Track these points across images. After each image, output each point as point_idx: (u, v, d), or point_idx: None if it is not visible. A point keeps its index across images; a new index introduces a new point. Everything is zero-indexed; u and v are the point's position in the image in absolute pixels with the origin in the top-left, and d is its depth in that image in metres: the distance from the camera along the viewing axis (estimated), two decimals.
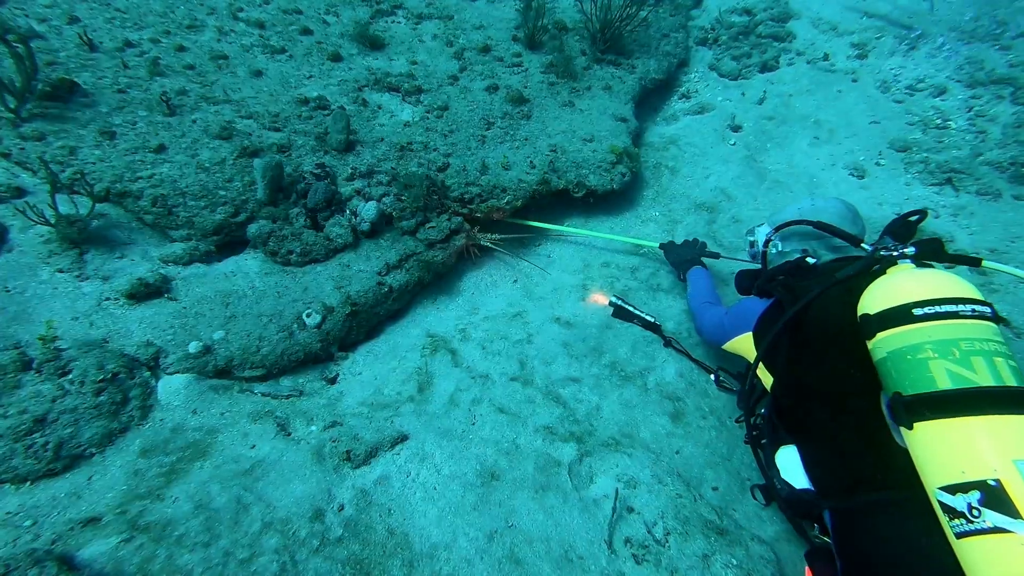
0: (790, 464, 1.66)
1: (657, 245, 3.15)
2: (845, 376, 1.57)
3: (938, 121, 3.93)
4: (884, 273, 1.55)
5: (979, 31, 4.62)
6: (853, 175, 3.75)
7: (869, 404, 1.49)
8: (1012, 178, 3.50)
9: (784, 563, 1.79)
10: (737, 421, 2.29)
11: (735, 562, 1.73)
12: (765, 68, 4.76)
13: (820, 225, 1.95)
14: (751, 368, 1.83)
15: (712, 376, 2.45)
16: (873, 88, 4.29)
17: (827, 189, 3.62)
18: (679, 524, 1.84)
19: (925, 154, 3.73)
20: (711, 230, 3.40)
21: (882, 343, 1.40)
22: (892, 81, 4.27)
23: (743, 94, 4.49)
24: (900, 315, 1.38)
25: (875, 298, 1.47)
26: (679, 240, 3.15)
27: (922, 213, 1.85)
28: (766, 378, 1.87)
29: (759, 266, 2.30)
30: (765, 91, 4.41)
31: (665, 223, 3.50)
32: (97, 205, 2.62)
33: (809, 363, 1.68)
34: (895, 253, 1.61)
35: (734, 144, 4.08)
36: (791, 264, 1.95)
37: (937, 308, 1.35)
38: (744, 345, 2.07)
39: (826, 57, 4.63)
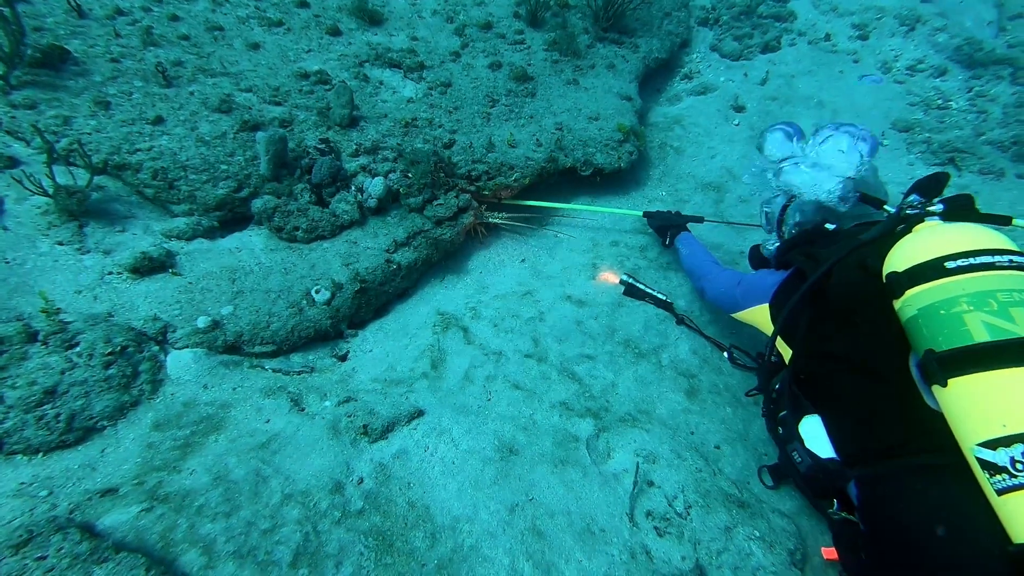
0: (814, 433, 1.60)
1: (640, 213, 3.17)
2: (871, 340, 1.53)
3: (939, 101, 3.97)
4: (911, 232, 1.51)
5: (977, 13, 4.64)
6: None
7: (896, 368, 1.44)
8: (1015, 157, 3.55)
9: (805, 535, 1.81)
10: (748, 394, 2.29)
11: (758, 534, 1.74)
12: (767, 49, 4.75)
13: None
14: (770, 340, 1.78)
15: (725, 353, 2.46)
16: (874, 69, 4.30)
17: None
18: (700, 497, 1.85)
19: (927, 134, 3.77)
20: (718, 210, 3.40)
21: (912, 300, 1.35)
22: (892, 62, 4.29)
23: (746, 75, 4.48)
24: (932, 269, 1.33)
25: (903, 255, 1.42)
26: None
27: (946, 175, 1.76)
28: (784, 350, 1.83)
29: (767, 233, 2.27)
30: (768, 71, 4.41)
31: (672, 203, 3.50)
32: (95, 177, 2.53)
33: (832, 330, 1.63)
34: (922, 211, 1.56)
35: (738, 124, 4.08)
36: (809, 231, 1.90)
37: (972, 260, 1.29)
38: (758, 316, 2.03)
39: (828, 37, 4.63)
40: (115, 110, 2.87)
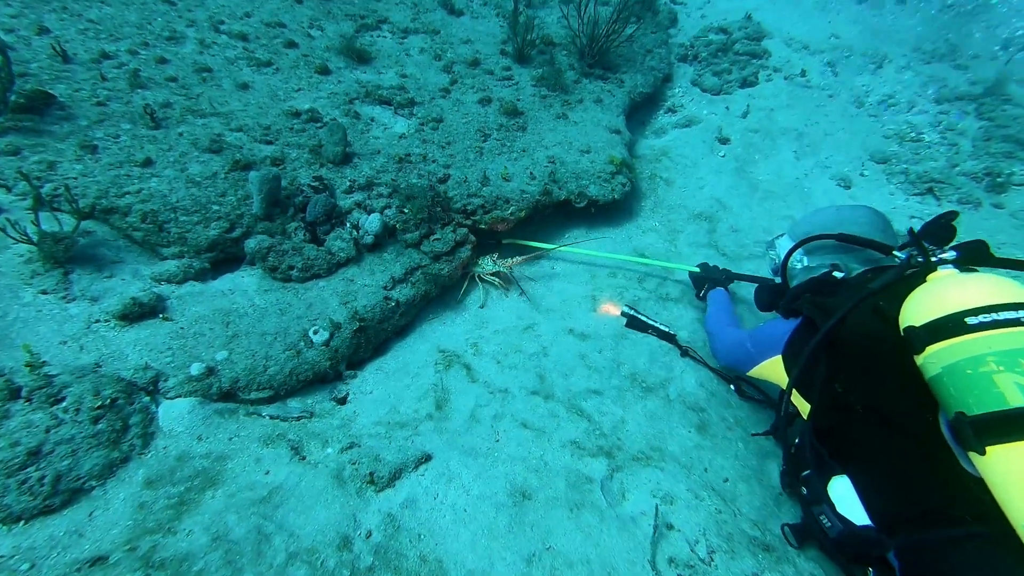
0: (846, 498, 1.50)
1: (691, 267, 2.98)
2: (893, 395, 1.45)
3: (912, 134, 4.14)
4: (924, 281, 1.44)
5: (937, 52, 4.90)
6: (840, 185, 3.88)
7: (925, 424, 1.36)
8: (989, 187, 3.70)
9: None
10: (754, 435, 2.25)
11: None
12: (745, 83, 4.92)
13: (844, 237, 1.83)
14: (784, 394, 1.71)
15: (732, 386, 2.45)
16: (849, 103, 4.48)
17: (817, 198, 3.74)
18: (723, 541, 1.79)
19: (904, 165, 3.91)
20: (712, 239, 3.44)
21: (934, 357, 1.28)
22: (864, 97, 4.48)
23: (727, 108, 4.62)
24: (952, 325, 1.26)
25: (919, 308, 1.35)
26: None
27: (953, 214, 1.68)
28: (801, 404, 1.74)
29: (778, 280, 2.19)
30: (748, 105, 4.55)
31: (666, 233, 3.53)
32: (82, 222, 2.44)
33: (851, 384, 1.55)
34: (934, 259, 1.51)
35: (723, 155, 4.18)
36: (817, 279, 1.82)
37: (995, 315, 1.22)
38: (773, 370, 1.94)
39: (803, 73, 4.83)
40: (102, 153, 2.80)
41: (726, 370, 2.51)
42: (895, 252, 1.71)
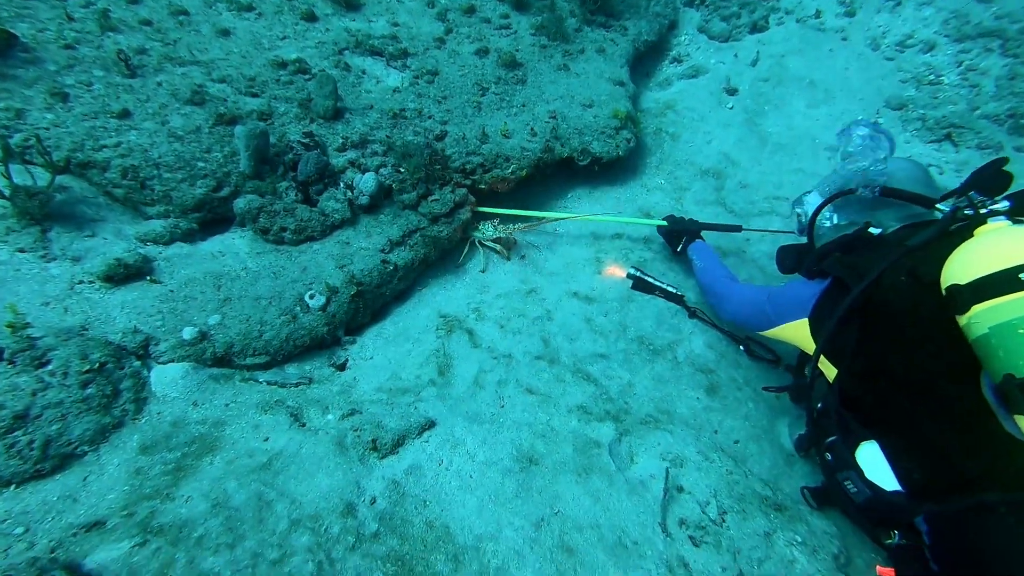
0: (875, 463, 1.45)
1: (661, 220, 2.86)
2: (931, 359, 1.36)
3: (931, 77, 3.93)
4: (971, 235, 1.34)
5: None
6: None
7: (966, 390, 1.29)
8: (1011, 130, 3.51)
9: (846, 535, 1.75)
10: (765, 389, 2.21)
11: (799, 539, 1.67)
12: (755, 28, 4.67)
13: (883, 191, 1.69)
14: (812, 359, 1.62)
15: (741, 347, 2.39)
16: (864, 46, 4.26)
17: (830, 151, 3.59)
18: (735, 502, 1.77)
19: (922, 111, 3.73)
20: (719, 196, 3.33)
21: (981, 317, 1.20)
22: (881, 38, 4.25)
23: (736, 56, 4.40)
24: (1004, 281, 1.17)
25: (965, 264, 1.26)
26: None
27: (1004, 159, 1.53)
28: (827, 368, 1.66)
29: (805, 240, 2.04)
30: (758, 52, 4.33)
31: (672, 191, 3.41)
32: (57, 177, 2.29)
33: (885, 347, 1.47)
34: (983, 210, 1.38)
35: (732, 107, 4.01)
36: (850, 237, 1.71)
37: None
38: (797, 333, 1.82)
39: (818, 14, 4.56)
40: (74, 103, 2.62)
41: (732, 328, 2.43)
42: (939, 206, 1.59)
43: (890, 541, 1.48)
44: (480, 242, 3.04)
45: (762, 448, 2.00)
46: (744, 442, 2.02)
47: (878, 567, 1.44)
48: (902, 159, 1.88)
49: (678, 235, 2.79)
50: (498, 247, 3.03)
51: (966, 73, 3.86)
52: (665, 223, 2.83)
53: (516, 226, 3.00)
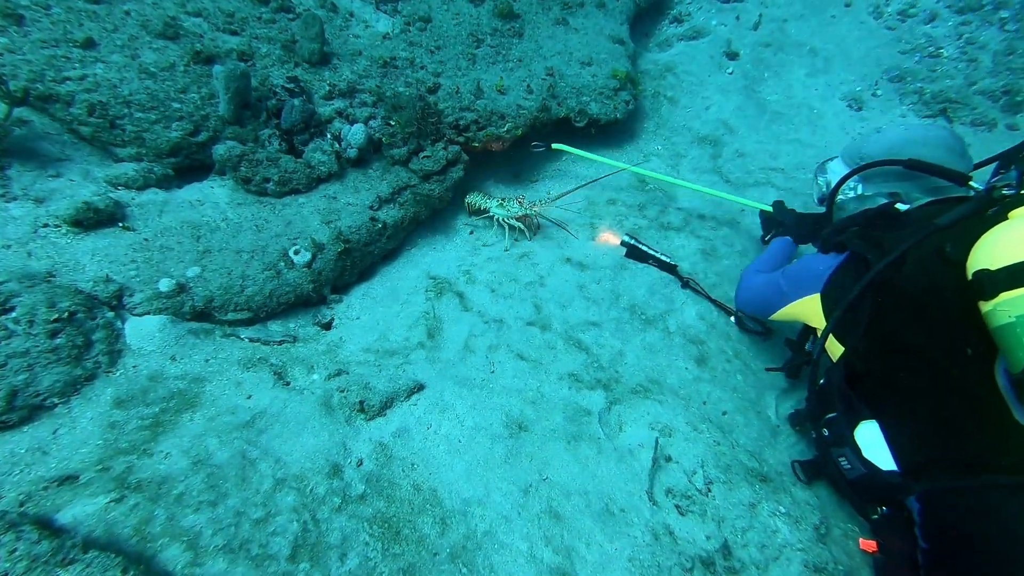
0: (873, 442, 1.44)
1: (767, 205, 2.58)
2: (949, 343, 1.33)
3: (930, 49, 3.87)
4: (1005, 218, 1.26)
5: None
6: (851, 106, 3.68)
7: (979, 375, 1.27)
8: (1005, 107, 3.50)
9: (824, 504, 1.80)
10: (769, 369, 2.20)
11: (783, 509, 1.70)
12: None
13: (915, 164, 1.59)
14: (821, 335, 1.59)
15: (732, 318, 2.39)
16: (866, 13, 4.16)
17: (827, 120, 3.55)
18: (721, 473, 1.79)
19: (919, 84, 3.69)
20: (716, 164, 3.27)
21: (1008, 305, 1.14)
22: (884, 5, 4.15)
23: (737, 18, 4.26)
24: None
25: (997, 249, 1.19)
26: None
27: None
28: (833, 345, 1.64)
29: (819, 205, 1.98)
30: (760, 15, 4.19)
31: (668, 157, 3.34)
32: (15, 109, 2.11)
33: (901, 325, 1.44)
34: (1023, 191, 1.32)
35: (731, 73, 3.90)
36: (876, 211, 1.64)
37: None
38: (806, 309, 1.77)
39: None
40: (31, 27, 2.38)
41: (747, 316, 2.35)
42: (972, 184, 1.52)
43: (876, 516, 1.50)
44: (504, 221, 2.80)
45: (749, 420, 2.02)
46: (732, 413, 2.03)
47: (861, 540, 1.47)
48: (938, 127, 1.79)
49: (772, 224, 2.54)
50: (521, 224, 2.79)
51: (965, 47, 3.80)
52: (770, 209, 2.57)
53: (542, 200, 2.76)
